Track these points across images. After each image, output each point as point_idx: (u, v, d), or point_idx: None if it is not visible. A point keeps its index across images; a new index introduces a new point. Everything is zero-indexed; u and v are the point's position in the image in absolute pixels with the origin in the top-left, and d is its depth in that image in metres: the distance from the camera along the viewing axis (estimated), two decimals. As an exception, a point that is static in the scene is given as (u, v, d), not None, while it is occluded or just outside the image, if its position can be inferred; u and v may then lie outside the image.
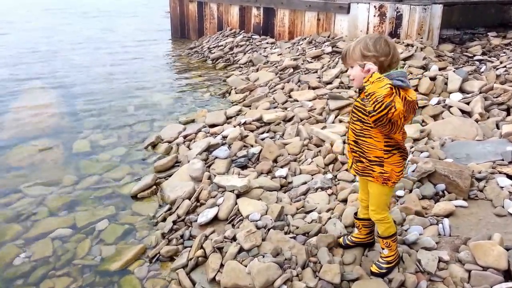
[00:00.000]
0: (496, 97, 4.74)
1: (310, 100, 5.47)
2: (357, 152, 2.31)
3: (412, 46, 6.50)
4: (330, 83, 5.94)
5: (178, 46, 10.98)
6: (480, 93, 4.82)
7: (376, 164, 2.25)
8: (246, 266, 2.59)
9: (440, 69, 5.64)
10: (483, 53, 6.98)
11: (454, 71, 5.40)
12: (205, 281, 2.69)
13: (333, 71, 6.14)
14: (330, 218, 3.02)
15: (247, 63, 8.21)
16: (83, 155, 4.68)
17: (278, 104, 5.61)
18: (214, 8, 10.65)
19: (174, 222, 3.31)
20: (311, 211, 3.17)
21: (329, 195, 3.40)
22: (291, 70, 6.79)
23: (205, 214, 3.23)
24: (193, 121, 5.54)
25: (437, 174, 3.22)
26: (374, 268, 2.49)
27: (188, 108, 6.25)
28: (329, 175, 3.67)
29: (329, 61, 6.72)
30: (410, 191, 3.21)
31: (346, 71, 6.03)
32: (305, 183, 3.61)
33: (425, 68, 5.73)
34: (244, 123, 4.84)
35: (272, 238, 2.82)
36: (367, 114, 2.08)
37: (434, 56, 6.37)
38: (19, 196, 3.85)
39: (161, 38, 12.31)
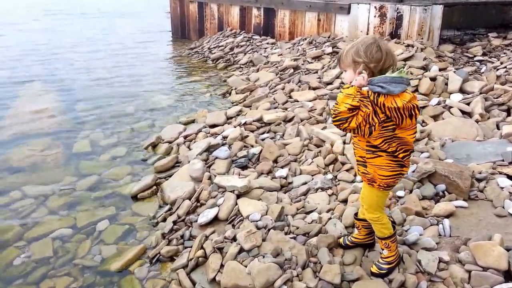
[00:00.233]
0: (497, 98, 4.74)
1: (310, 101, 5.47)
2: (354, 150, 2.38)
3: (413, 46, 6.50)
4: (330, 83, 5.95)
5: (179, 47, 10.98)
6: (481, 93, 4.82)
7: (361, 164, 2.33)
8: (246, 267, 2.59)
9: (440, 70, 5.64)
10: (484, 54, 6.99)
11: (454, 71, 5.40)
12: (205, 282, 2.69)
13: (333, 71, 6.15)
14: (330, 218, 3.02)
15: (248, 64, 8.22)
16: (83, 155, 4.68)
17: (278, 104, 5.61)
18: (215, 9, 10.65)
19: (175, 223, 3.31)
20: (311, 211, 3.18)
21: (329, 195, 3.40)
22: (292, 70, 6.80)
23: (206, 215, 3.23)
24: (193, 121, 5.54)
25: (438, 175, 3.22)
26: (374, 269, 2.49)
27: (188, 108, 6.25)
28: (329, 176, 3.67)
29: (329, 62, 6.72)
30: (411, 191, 3.21)
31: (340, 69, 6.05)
32: (305, 183, 3.61)
33: (425, 68, 5.73)
34: (245, 124, 4.84)
35: (272, 238, 2.82)
36: None
37: (435, 57, 6.37)
38: (20, 196, 3.85)
39: (161, 38, 12.32)
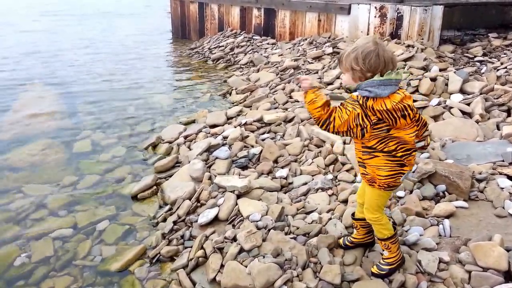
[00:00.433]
0: (497, 98, 4.74)
1: (310, 101, 5.46)
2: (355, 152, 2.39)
3: (413, 47, 6.50)
4: (331, 83, 5.95)
5: (179, 47, 10.99)
6: (481, 94, 4.82)
7: (360, 165, 2.34)
8: (246, 267, 2.59)
9: (440, 70, 5.63)
10: (484, 54, 6.99)
11: (454, 72, 5.40)
12: (205, 282, 2.69)
13: (333, 71, 6.15)
14: (330, 218, 3.02)
15: (248, 64, 8.22)
16: (83, 155, 4.68)
17: (278, 104, 5.62)
18: (215, 9, 10.66)
19: (175, 223, 3.31)
20: (312, 211, 3.18)
21: (329, 195, 3.40)
22: (292, 70, 6.80)
23: (206, 215, 3.23)
24: (193, 121, 5.54)
25: (438, 175, 3.22)
26: (374, 269, 2.49)
27: (188, 108, 6.25)
28: (330, 176, 3.67)
29: (329, 62, 6.72)
30: (411, 191, 3.21)
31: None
32: (305, 183, 3.61)
33: (425, 69, 5.73)
34: (245, 124, 4.84)
35: (272, 238, 2.82)
36: None
37: (435, 57, 6.37)
38: (20, 196, 3.86)
39: (161, 38, 12.33)
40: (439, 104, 4.71)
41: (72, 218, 3.54)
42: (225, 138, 4.53)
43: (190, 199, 3.52)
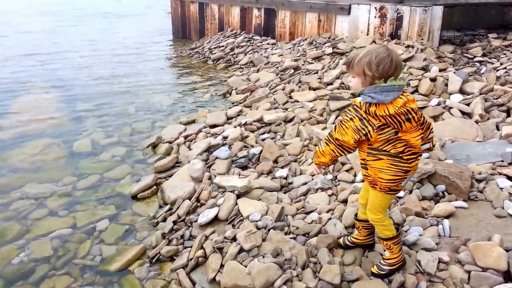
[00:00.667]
0: (496, 99, 4.74)
1: (310, 101, 5.47)
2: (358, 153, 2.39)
3: (413, 47, 6.50)
4: (330, 84, 5.95)
5: (179, 47, 10.99)
6: (480, 94, 4.83)
7: (362, 167, 2.35)
8: (246, 267, 2.60)
9: (440, 70, 5.64)
10: (484, 55, 7.00)
11: (454, 72, 5.40)
12: (205, 281, 2.70)
13: (333, 72, 6.15)
14: (330, 218, 3.02)
15: (248, 64, 8.23)
16: (83, 155, 4.68)
17: (278, 104, 5.62)
18: (215, 9, 10.66)
19: (175, 222, 3.31)
20: (311, 211, 3.18)
21: (329, 195, 3.40)
22: (292, 71, 6.80)
23: (206, 215, 3.23)
24: (193, 121, 5.55)
25: (437, 175, 3.23)
26: (374, 269, 2.50)
27: (188, 108, 6.25)
28: (329, 176, 3.68)
29: (329, 62, 6.73)
30: (410, 192, 3.21)
31: (346, 72, 6.06)
32: (305, 183, 3.62)
33: (425, 69, 5.74)
34: (245, 124, 4.84)
35: (272, 238, 2.82)
36: None
37: (435, 57, 6.38)
38: (20, 196, 3.86)
39: (162, 38, 12.33)
40: (438, 104, 4.72)
41: (72, 218, 3.54)
42: (225, 138, 4.53)
43: (190, 199, 3.52)
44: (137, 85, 7.48)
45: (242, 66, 8.26)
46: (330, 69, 6.40)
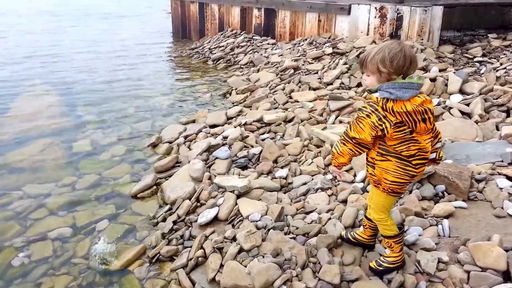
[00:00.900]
0: (496, 99, 4.74)
1: (310, 101, 5.48)
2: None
3: (413, 47, 6.50)
4: (330, 84, 5.95)
5: (179, 47, 10.99)
6: (480, 94, 4.82)
7: (369, 165, 2.34)
8: (246, 267, 2.60)
9: (440, 71, 5.64)
10: (483, 55, 6.99)
11: (454, 72, 5.40)
12: (205, 281, 2.70)
13: (333, 72, 6.15)
14: (330, 218, 3.02)
15: (248, 64, 8.23)
16: (83, 155, 4.69)
17: (278, 104, 5.62)
18: (215, 9, 10.66)
19: (174, 222, 3.31)
20: (311, 211, 3.18)
21: (329, 195, 3.41)
22: (292, 71, 6.81)
23: (205, 215, 3.24)
24: (193, 121, 5.55)
25: (437, 175, 3.23)
26: (372, 264, 2.51)
27: (188, 108, 6.26)
28: (329, 176, 3.68)
29: (329, 62, 6.73)
30: (410, 192, 3.21)
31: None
32: (305, 183, 3.62)
33: (425, 69, 5.74)
34: (245, 124, 4.85)
35: (272, 238, 2.83)
36: None
37: (435, 58, 6.38)
38: (19, 195, 3.86)
39: (162, 39, 12.33)
40: (438, 104, 4.72)
41: (72, 217, 3.54)
42: (225, 138, 4.54)
43: (190, 199, 3.53)
44: (137, 85, 7.48)
45: (242, 66, 8.27)
46: (330, 69, 6.40)
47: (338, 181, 3.57)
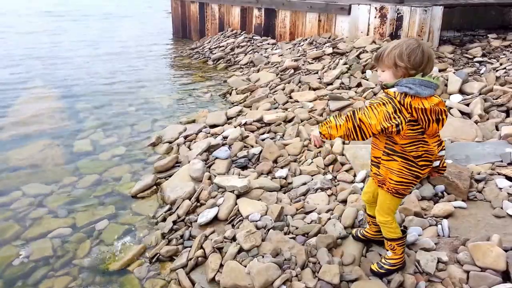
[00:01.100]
0: (496, 99, 4.75)
1: (310, 101, 5.48)
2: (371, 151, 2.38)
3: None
4: (330, 84, 5.96)
5: (179, 47, 11.00)
6: (480, 94, 4.83)
7: (374, 165, 2.32)
8: (245, 266, 2.60)
9: (440, 71, 5.65)
10: (483, 55, 6.99)
11: (454, 72, 5.41)
12: (204, 281, 2.70)
13: (333, 72, 6.15)
14: (329, 218, 3.03)
15: (248, 64, 8.23)
16: (83, 155, 4.69)
17: (278, 104, 5.62)
18: (216, 9, 10.67)
19: (174, 222, 3.32)
20: (311, 211, 3.18)
21: (328, 195, 3.41)
22: (292, 71, 6.81)
23: (205, 214, 3.24)
24: (193, 121, 5.55)
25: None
26: (374, 266, 2.51)
27: (189, 108, 6.26)
28: (329, 176, 3.68)
29: (329, 62, 6.73)
30: (410, 192, 3.21)
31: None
32: (305, 183, 3.62)
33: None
34: (245, 124, 4.85)
35: (271, 238, 2.83)
36: None
37: (435, 61, 6.37)
38: (19, 195, 3.86)
39: (162, 38, 12.34)
40: (438, 104, 4.71)
41: (72, 217, 3.54)
42: (225, 138, 4.54)
43: (189, 199, 3.53)
44: (137, 85, 7.49)
45: (242, 66, 8.27)
46: (330, 69, 6.40)
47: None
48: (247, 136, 4.50)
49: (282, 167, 3.95)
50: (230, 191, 3.45)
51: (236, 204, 3.32)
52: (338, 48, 7.13)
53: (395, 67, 2.08)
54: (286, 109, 5.40)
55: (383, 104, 2.05)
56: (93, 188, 4.00)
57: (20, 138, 5.09)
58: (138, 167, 4.42)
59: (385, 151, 2.21)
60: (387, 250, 2.49)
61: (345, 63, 6.37)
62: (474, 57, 6.91)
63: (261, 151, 4.17)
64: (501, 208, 2.96)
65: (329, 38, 7.89)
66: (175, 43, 11.73)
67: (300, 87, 6.05)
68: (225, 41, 9.76)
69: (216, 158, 4.16)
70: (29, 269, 2.95)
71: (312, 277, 2.52)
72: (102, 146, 4.91)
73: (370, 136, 2.15)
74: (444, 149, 2.32)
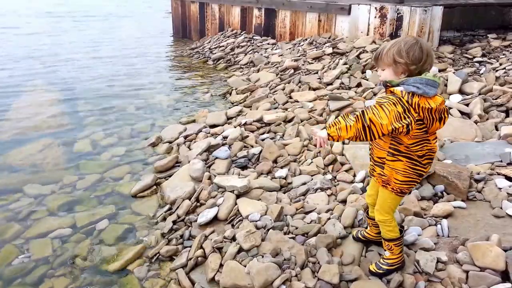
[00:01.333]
0: (495, 99, 4.75)
1: (310, 101, 5.48)
2: (370, 150, 2.37)
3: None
4: (330, 84, 5.96)
5: (180, 47, 11.00)
6: (480, 94, 4.83)
7: (378, 165, 2.31)
8: (245, 266, 2.61)
9: (440, 71, 5.65)
10: (483, 55, 6.99)
11: (454, 72, 5.41)
12: (204, 281, 2.71)
13: (333, 72, 6.15)
14: (329, 218, 3.03)
15: (248, 64, 8.24)
16: (83, 155, 4.69)
17: (278, 104, 5.63)
18: (216, 9, 10.67)
19: (174, 222, 3.32)
20: (311, 211, 3.19)
21: (328, 195, 3.41)
22: (292, 71, 6.81)
23: (205, 214, 3.24)
24: (193, 121, 5.55)
25: (436, 175, 3.24)
26: (372, 267, 2.51)
27: (189, 108, 6.26)
28: (329, 176, 3.69)
29: (329, 62, 6.73)
30: (409, 192, 3.22)
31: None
32: (304, 183, 3.62)
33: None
34: (245, 124, 4.85)
35: (271, 238, 2.83)
36: None
37: (434, 58, 6.37)
38: (19, 195, 3.87)
39: (162, 38, 12.34)
40: (438, 104, 4.72)
41: (72, 217, 3.55)
42: (225, 138, 4.54)
43: (189, 199, 3.53)
44: (137, 85, 7.49)
45: (242, 66, 8.27)
46: (330, 69, 6.40)
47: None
48: (247, 136, 4.51)
49: (282, 167, 3.95)
50: (230, 191, 3.45)
51: (236, 204, 3.32)
52: (338, 48, 7.13)
53: (394, 64, 2.08)
54: (286, 109, 5.40)
55: (393, 104, 2.03)
56: (93, 188, 4.01)
57: (20, 138, 5.09)
58: (138, 167, 4.42)
59: (389, 151, 2.21)
60: (385, 250, 2.49)
61: (345, 63, 6.38)
62: (474, 57, 6.91)
63: (261, 151, 4.17)
64: (501, 208, 2.97)
65: (329, 38, 7.89)
66: (175, 43, 11.73)
67: (300, 87, 6.06)
68: (225, 41, 9.76)
69: (216, 158, 4.16)
70: (29, 269, 2.95)
71: (311, 277, 2.53)
72: (102, 146, 4.92)
73: (379, 137, 2.11)
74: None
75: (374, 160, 2.33)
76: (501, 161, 3.53)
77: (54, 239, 3.26)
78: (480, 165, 3.51)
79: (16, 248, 3.16)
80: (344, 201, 3.27)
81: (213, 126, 5.14)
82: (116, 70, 8.56)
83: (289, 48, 8.16)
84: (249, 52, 8.82)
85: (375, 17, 7.19)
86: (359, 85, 5.75)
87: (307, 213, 3.18)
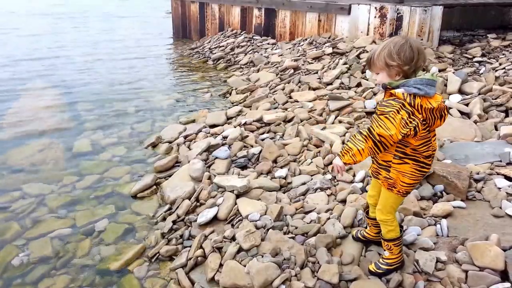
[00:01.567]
0: (495, 99, 4.76)
1: (310, 101, 5.48)
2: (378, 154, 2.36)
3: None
4: (330, 84, 5.96)
5: (180, 47, 11.00)
6: (479, 94, 4.84)
7: (383, 168, 2.29)
8: (245, 266, 2.61)
9: (439, 71, 5.65)
10: (483, 55, 6.99)
11: (453, 72, 5.41)
12: (204, 281, 2.71)
13: (333, 72, 6.16)
14: (329, 218, 3.03)
15: (248, 64, 8.24)
16: (83, 155, 4.70)
17: (278, 104, 5.63)
18: (216, 9, 10.67)
19: (174, 222, 3.32)
20: (310, 211, 3.19)
21: (328, 195, 3.41)
22: (292, 71, 6.81)
23: (205, 214, 3.25)
24: (193, 121, 5.55)
25: (436, 175, 3.24)
26: (371, 267, 2.51)
27: (188, 108, 6.27)
28: (329, 176, 3.69)
29: (329, 62, 6.73)
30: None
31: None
32: (304, 183, 3.63)
33: (424, 69, 5.74)
34: (245, 124, 4.86)
35: (271, 238, 2.84)
36: None
37: (434, 58, 6.39)
38: (19, 195, 3.87)
39: (162, 38, 12.34)
40: (438, 104, 4.72)
41: (71, 217, 3.55)
42: (224, 138, 4.54)
43: (189, 199, 3.54)
44: (137, 85, 7.49)
45: (242, 66, 8.27)
46: (330, 69, 6.40)
47: (338, 180, 3.58)
48: (247, 136, 4.51)
49: (281, 167, 3.96)
50: (230, 191, 3.45)
51: (235, 204, 3.32)
52: (338, 48, 7.13)
53: (387, 67, 2.09)
54: (286, 109, 5.41)
55: (397, 111, 2.03)
56: (93, 188, 4.01)
57: (20, 138, 5.09)
58: (138, 167, 4.43)
59: (396, 154, 2.21)
60: (384, 250, 2.49)
61: (345, 63, 6.38)
62: (474, 57, 6.91)
63: (260, 151, 4.17)
64: (500, 207, 2.97)
65: (329, 38, 7.89)
66: (175, 43, 11.73)
67: (300, 87, 6.06)
68: (225, 41, 9.77)
69: (216, 158, 4.16)
70: (29, 269, 2.96)
71: (311, 277, 2.53)
72: (102, 146, 4.92)
73: (391, 146, 2.13)
74: None
75: (378, 163, 2.31)
76: (501, 161, 3.53)
77: (54, 239, 3.27)
78: (479, 165, 3.51)
79: (16, 248, 3.16)
80: (343, 201, 3.28)
81: (213, 126, 5.14)
82: (116, 70, 8.56)
83: (289, 48, 8.16)
84: (249, 52, 8.82)
85: (375, 17, 7.19)
86: (359, 85, 5.76)
87: (306, 213, 3.18)
